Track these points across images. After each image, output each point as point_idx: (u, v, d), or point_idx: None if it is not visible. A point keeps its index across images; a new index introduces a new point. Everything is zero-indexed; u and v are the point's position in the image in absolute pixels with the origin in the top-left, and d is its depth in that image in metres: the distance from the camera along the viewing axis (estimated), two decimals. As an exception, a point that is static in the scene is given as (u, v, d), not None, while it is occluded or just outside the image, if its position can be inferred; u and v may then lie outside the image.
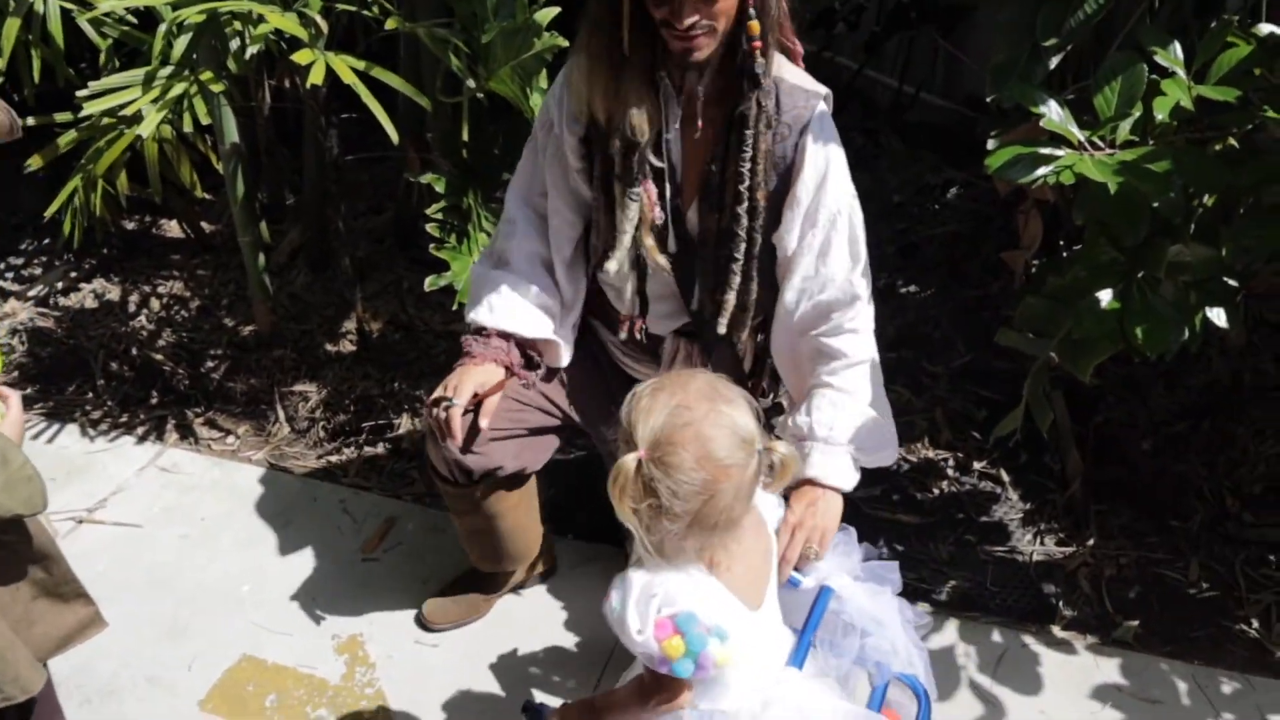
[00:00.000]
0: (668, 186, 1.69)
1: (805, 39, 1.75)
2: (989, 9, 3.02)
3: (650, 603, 1.34)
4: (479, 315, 1.81)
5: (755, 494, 1.39)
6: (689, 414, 1.31)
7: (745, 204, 1.64)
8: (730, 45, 1.56)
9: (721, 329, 1.77)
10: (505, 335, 1.80)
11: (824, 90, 1.67)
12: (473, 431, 1.78)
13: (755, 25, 1.53)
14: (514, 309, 1.80)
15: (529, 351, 1.85)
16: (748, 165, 1.61)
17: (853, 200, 1.69)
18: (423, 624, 2.12)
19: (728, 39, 1.55)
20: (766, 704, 1.43)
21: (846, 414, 1.69)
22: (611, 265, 1.73)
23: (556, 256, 1.83)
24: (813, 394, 1.72)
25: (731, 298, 1.73)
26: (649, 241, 1.71)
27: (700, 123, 1.63)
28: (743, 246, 1.68)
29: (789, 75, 1.64)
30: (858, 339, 1.71)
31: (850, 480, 1.71)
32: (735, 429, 1.32)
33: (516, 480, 1.90)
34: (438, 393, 1.76)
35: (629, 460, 1.30)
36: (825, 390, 1.71)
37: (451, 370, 1.80)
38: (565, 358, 1.88)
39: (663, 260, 1.74)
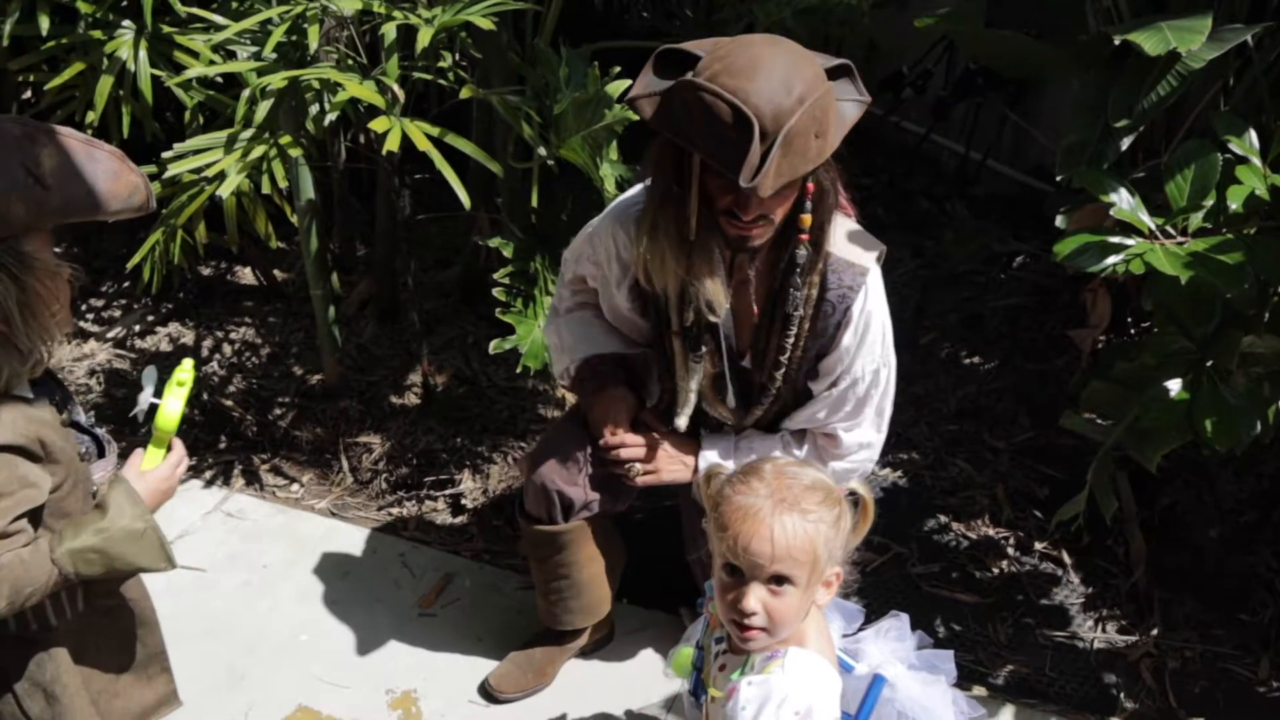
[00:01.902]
0: (723, 343, 1.77)
1: (873, 103, 1.78)
2: (1058, 82, 3.01)
3: (782, 709, 1.33)
4: (577, 352, 1.91)
5: None
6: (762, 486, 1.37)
7: (783, 370, 1.76)
8: (785, 225, 1.61)
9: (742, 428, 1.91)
10: (600, 360, 1.90)
11: (873, 256, 1.71)
12: (573, 465, 1.90)
13: (807, 219, 1.59)
14: (593, 335, 1.91)
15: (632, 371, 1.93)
16: (790, 341, 1.72)
17: (879, 369, 1.76)
18: (489, 695, 2.12)
19: (782, 222, 1.60)
20: None
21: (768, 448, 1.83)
22: (681, 421, 1.85)
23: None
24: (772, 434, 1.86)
25: (753, 420, 1.87)
26: (707, 394, 1.83)
27: (751, 286, 1.71)
28: (772, 396, 1.80)
29: (839, 247, 1.69)
30: (841, 466, 1.82)
31: (701, 460, 1.85)
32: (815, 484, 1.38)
33: (601, 527, 1.98)
34: (605, 442, 1.85)
35: (709, 477, 1.43)
36: (781, 442, 1.84)
37: (590, 410, 1.89)
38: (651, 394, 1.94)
39: (724, 413, 1.86)
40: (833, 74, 1.56)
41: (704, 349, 1.75)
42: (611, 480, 1.91)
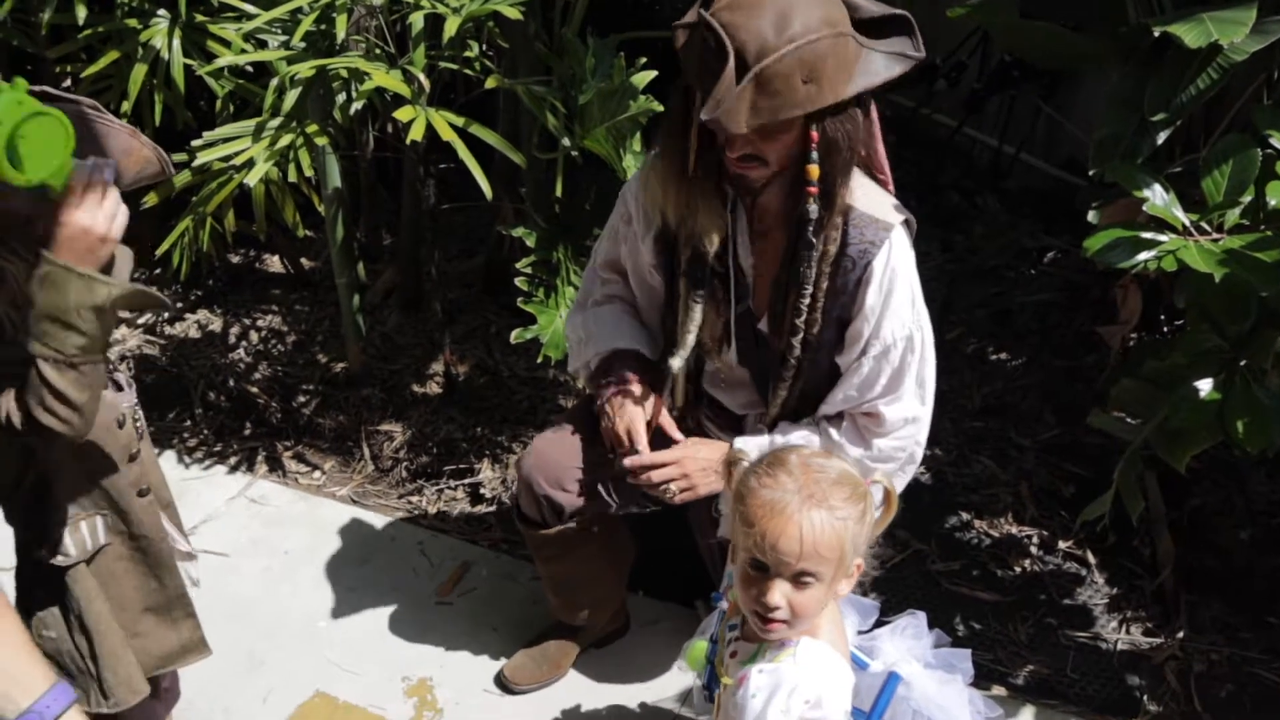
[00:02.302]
0: (732, 291, 1.71)
1: (905, 94, 1.74)
2: (1095, 75, 2.96)
3: (796, 705, 1.33)
4: (601, 343, 1.84)
5: None
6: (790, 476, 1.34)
7: (800, 335, 1.67)
8: (798, 172, 1.56)
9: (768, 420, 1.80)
10: (623, 357, 1.82)
11: (898, 218, 1.63)
12: (563, 470, 1.84)
13: (814, 169, 1.52)
14: (622, 329, 1.84)
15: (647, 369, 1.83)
16: (806, 302, 1.63)
17: (911, 333, 1.65)
18: (504, 686, 2.12)
19: (796, 166, 1.55)
20: None
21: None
22: (676, 362, 1.77)
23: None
24: (810, 423, 1.75)
25: (776, 408, 1.76)
26: (708, 342, 1.75)
27: (770, 236, 1.66)
28: (793, 369, 1.70)
29: (862, 203, 1.61)
30: (886, 444, 1.71)
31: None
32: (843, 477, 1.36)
33: (602, 526, 1.92)
34: (631, 465, 1.76)
35: (737, 470, 1.39)
36: (820, 430, 1.73)
37: (605, 414, 1.79)
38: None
39: (723, 360, 1.77)
40: (879, 26, 1.51)
41: (703, 290, 1.69)
42: (605, 485, 1.86)
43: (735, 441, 1.75)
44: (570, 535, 1.89)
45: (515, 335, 2.27)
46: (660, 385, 1.83)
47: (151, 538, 1.56)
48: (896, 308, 1.62)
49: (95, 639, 1.51)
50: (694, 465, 1.75)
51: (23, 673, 1.20)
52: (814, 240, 1.58)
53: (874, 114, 1.62)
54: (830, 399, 1.72)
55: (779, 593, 1.31)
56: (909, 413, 1.69)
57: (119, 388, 1.52)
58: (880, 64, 1.50)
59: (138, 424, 1.55)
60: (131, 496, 1.52)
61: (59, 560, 1.47)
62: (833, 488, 1.32)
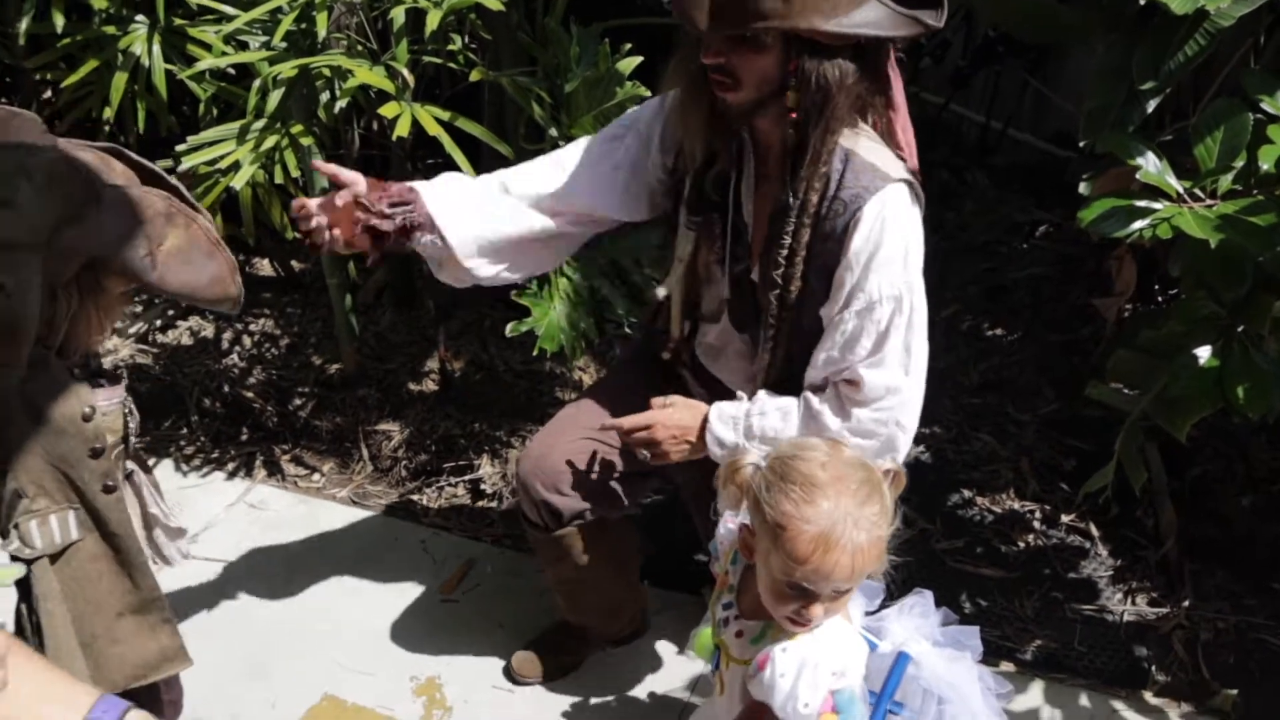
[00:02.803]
0: (729, 230, 1.68)
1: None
2: (1081, 47, 2.95)
3: (823, 678, 1.34)
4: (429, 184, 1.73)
5: None
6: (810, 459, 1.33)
7: (777, 290, 1.62)
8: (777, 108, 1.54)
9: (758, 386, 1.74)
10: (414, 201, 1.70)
11: (900, 175, 1.57)
12: (560, 474, 1.82)
13: (791, 96, 1.50)
14: (461, 202, 1.72)
15: (417, 225, 1.70)
16: (784, 254, 1.59)
17: (901, 294, 1.56)
18: (511, 676, 2.12)
19: (780, 100, 1.52)
20: None
21: (790, 425, 1.65)
22: (661, 291, 1.76)
23: (553, 215, 1.77)
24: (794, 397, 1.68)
25: (762, 367, 1.72)
26: (703, 275, 1.73)
27: (770, 182, 1.62)
28: (773, 328, 1.65)
29: (866, 151, 1.56)
30: (867, 414, 1.62)
31: (718, 440, 1.69)
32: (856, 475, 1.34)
33: (606, 528, 1.89)
34: (604, 425, 1.79)
35: (748, 468, 1.38)
36: (802, 400, 1.66)
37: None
38: (463, 273, 1.76)
39: (718, 325, 1.75)
40: None
41: (698, 217, 1.67)
42: (608, 486, 1.84)
43: (710, 412, 1.70)
44: (572, 538, 1.86)
45: (510, 328, 2.25)
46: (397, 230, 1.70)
47: (121, 535, 1.50)
48: (885, 262, 1.54)
49: (45, 637, 1.45)
50: (665, 433, 1.72)
51: (64, 693, 1.18)
52: (801, 173, 1.54)
53: (895, 85, 1.58)
54: (814, 359, 1.64)
55: (820, 608, 1.33)
56: (891, 381, 1.60)
57: (97, 383, 1.48)
58: (883, 17, 1.45)
59: (132, 419, 1.53)
60: (97, 490, 1.46)
61: (25, 552, 1.43)
62: (866, 505, 1.30)
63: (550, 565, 1.95)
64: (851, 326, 1.58)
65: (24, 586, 1.48)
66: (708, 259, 1.72)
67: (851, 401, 1.62)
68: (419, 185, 1.73)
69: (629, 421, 1.73)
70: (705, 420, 1.71)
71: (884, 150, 1.60)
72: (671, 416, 1.73)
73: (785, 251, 1.59)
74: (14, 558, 1.44)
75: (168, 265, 1.38)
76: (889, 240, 1.54)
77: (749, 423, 1.67)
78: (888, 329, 1.57)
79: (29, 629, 1.47)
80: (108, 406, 1.48)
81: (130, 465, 1.58)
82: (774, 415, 1.66)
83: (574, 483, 1.82)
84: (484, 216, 1.74)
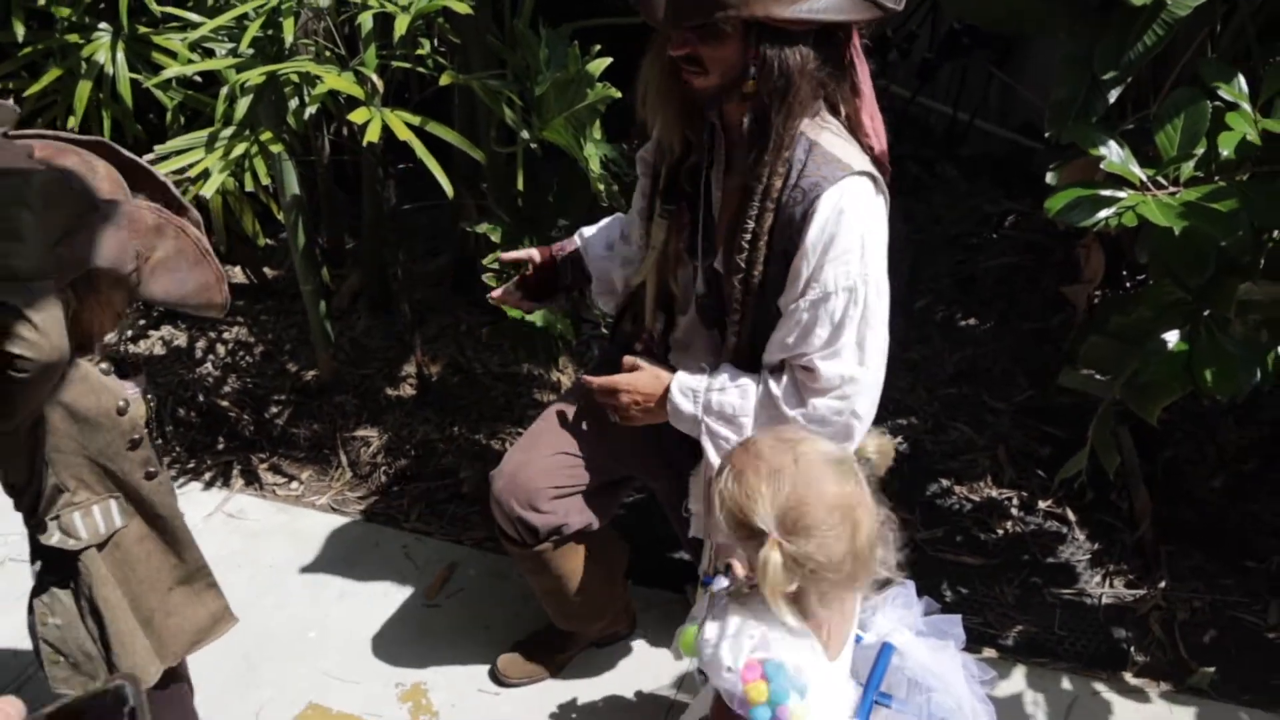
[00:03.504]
0: (699, 220, 1.70)
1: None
2: (1045, 38, 2.98)
3: (745, 642, 1.37)
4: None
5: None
6: (784, 475, 1.32)
7: (741, 275, 1.62)
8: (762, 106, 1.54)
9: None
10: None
11: (862, 168, 1.57)
12: (535, 491, 1.81)
13: (750, 84, 1.51)
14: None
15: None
16: (748, 238, 1.60)
17: (855, 285, 1.55)
18: (496, 678, 2.13)
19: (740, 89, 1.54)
20: None
21: (748, 404, 1.66)
22: (635, 278, 1.78)
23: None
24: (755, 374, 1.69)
25: (728, 353, 1.72)
26: (672, 261, 1.75)
27: (738, 173, 1.63)
28: (737, 312, 1.66)
29: (828, 143, 1.57)
30: (823, 403, 1.62)
31: (677, 411, 1.71)
32: (827, 458, 1.35)
33: (585, 538, 1.89)
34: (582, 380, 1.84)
35: (771, 554, 1.31)
36: (761, 383, 1.67)
37: None
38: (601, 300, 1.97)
39: (685, 280, 1.77)
40: None
41: (671, 206, 1.69)
42: (582, 501, 1.85)
43: (672, 383, 1.71)
44: (549, 552, 1.87)
45: (488, 333, 2.25)
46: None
47: (167, 517, 1.57)
48: (841, 254, 1.54)
49: (106, 622, 1.52)
50: (628, 397, 1.74)
51: None
52: (760, 158, 1.55)
53: (861, 71, 1.59)
54: (771, 341, 1.65)
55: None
56: (846, 371, 1.59)
57: (122, 374, 1.52)
58: (841, 1, 1.45)
59: (151, 405, 1.56)
60: (140, 479, 1.52)
61: (70, 544, 1.48)
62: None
63: (531, 575, 1.95)
64: (807, 317, 1.58)
65: (61, 574, 1.52)
66: (678, 247, 1.74)
67: (808, 390, 1.62)
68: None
69: (599, 382, 1.76)
70: (667, 390, 1.72)
71: (849, 144, 1.61)
72: (636, 381, 1.75)
73: (749, 236, 1.59)
74: (59, 550, 1.48)
75: (156, 276, 1.42)
76: (845, 231, 1.54)
77: (708, 398, 1.68)
78: (842, 320, 1.57)
79: (85, 613, 1.52)
80: (134, 395, 1.52)
81: None
82: (733, 392, 1.67)
83: (549, 499, 1.82)
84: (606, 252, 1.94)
